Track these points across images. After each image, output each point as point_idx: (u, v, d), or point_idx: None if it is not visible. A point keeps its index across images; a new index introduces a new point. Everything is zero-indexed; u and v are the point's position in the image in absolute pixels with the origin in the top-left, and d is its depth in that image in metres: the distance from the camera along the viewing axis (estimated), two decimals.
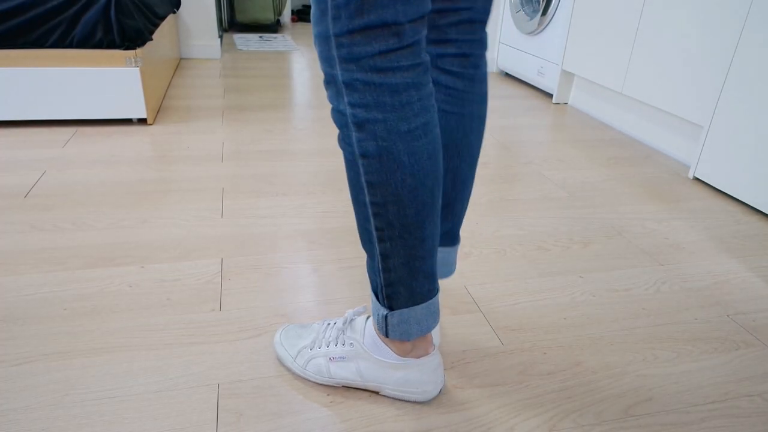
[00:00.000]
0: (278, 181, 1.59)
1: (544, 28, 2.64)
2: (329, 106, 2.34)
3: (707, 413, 0.84)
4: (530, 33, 2.73)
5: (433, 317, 0.75)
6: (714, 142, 1.66)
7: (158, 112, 2.19)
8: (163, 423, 0.78)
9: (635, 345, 0.98)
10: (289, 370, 0.88)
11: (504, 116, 2.37)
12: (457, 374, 0.89)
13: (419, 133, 0.60)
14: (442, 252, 0.87)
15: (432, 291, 0.73)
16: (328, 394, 0.84)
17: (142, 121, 2.05)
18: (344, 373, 0.82)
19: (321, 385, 0.86)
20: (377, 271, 0.70)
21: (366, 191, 0.63)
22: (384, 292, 0.72)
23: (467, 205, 0.84)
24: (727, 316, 1.08)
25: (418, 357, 0.79)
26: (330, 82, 0.61)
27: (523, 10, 2.78)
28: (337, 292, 1.10)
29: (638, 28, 2.02)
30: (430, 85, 0.62)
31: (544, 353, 0.95)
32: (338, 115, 0.62)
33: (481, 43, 0.76)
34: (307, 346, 0.86)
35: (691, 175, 1.76)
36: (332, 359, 0.83)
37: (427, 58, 0.61)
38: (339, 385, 0.85)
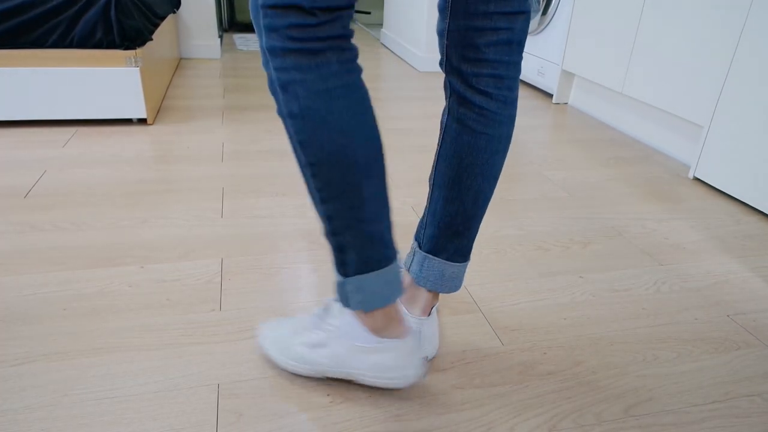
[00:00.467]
0: (278, 181, 1.59)
1: (544, 28, 2.64)
2: None
3: (707, 413, 0.84)
4: (530, 33, 2.73)
5: (391, 287, 0.75)
6: (714, 142, 1.66)
7: (158, 112, 2.19)
8: (163, 423, 0.78)
9: (635, 345, 0.98)
10: (273, 361, 0.88)
11: None
12: (457, 374, 0.89)
13: (339, 93, 0.63)
14: (453, 267, 0.87)
15: (385, 259, 0.73)
16: (327, 394, 0.84)
17: (142, 121, 2.05)
18: (321, 359, 0.83)
19: (320, 384, 0.86)
20: (328, 235, 0.72)
21: (301, 152, 0.66)
22: (336, 258, 0.73)
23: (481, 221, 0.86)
24: (727, 316, 1.08)
25: (393, 338, 0.79)
26: (261, 49, 0.65)
27: None
28: None
29: (638, 28, 2.02)
30: (352, 49, 0.64)
31: (544, 353, 0.95)
32: (270, 81, 0.66)
33: (516, 66, 0.76)
34: (288, 335, 0.86)
35: (691, 175, 1.76)
36: (311, 346, 0.83)
37: (348, 30, 0.63)
38: (321, 376, 0.85)
